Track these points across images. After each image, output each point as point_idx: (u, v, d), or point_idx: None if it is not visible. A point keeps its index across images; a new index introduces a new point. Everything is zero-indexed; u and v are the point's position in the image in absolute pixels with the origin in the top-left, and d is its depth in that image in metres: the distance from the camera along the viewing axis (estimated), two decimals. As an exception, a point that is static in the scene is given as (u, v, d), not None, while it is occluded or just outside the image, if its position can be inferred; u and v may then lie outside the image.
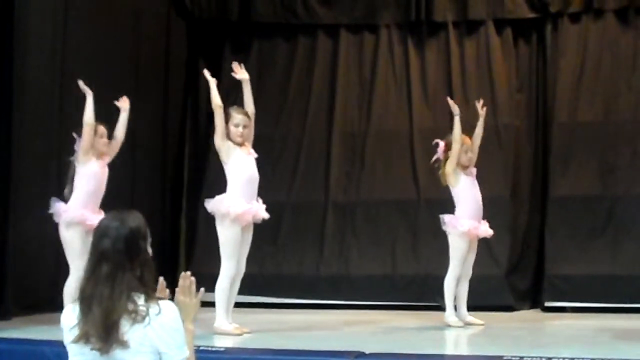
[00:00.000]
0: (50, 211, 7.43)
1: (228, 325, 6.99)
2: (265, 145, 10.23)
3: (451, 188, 7.92)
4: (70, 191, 7.44)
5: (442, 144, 8.01)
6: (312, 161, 10.41)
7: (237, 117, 7.20)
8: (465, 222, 7.82)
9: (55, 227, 7.60)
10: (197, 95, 10.74)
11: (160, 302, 3.45)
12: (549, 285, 9.43)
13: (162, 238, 10.05)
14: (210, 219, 10.35)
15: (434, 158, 8.08)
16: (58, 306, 7.58)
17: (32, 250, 8.27)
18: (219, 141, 7.17)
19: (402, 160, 10.15)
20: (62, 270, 7.99)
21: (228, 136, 7.17)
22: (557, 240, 9.55)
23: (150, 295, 3.46)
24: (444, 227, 7.91)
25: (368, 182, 10.19)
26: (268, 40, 10.72)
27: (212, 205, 7.28)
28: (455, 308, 7.86)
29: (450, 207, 7.91)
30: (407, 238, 9.91)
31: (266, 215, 7.29)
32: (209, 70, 7.44)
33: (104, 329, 3.37)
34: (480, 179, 8.05)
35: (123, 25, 9.62)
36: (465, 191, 7.90)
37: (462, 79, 10.18)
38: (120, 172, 7.91)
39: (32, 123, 8.35)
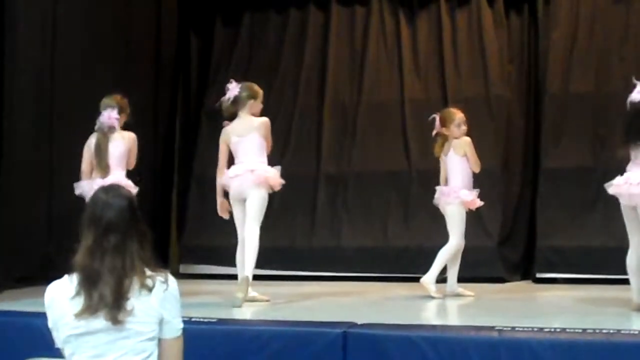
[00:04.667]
0: (77, 193, 7.45)
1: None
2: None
3: (454, 158, 7.89)
4: None
5: (437, 118, 7.97)
6: (303, 133, 10.38)
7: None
8: (463, 191, 7.82)
9: (45, 200, 7.59)
10: (189, 67, 10.68)
11: (162, 272, 3.53)
12: (540, 256, 9.44)
13: (153, 212, 9.98)
14: (201, 193, 10.36)
15: (435, 132, 8.01)
16: (49, 278, 7.59)
17: (23, 223, 8.25)
18: None
19: (393, 131, 10.13)
20: (53, 243, 8.00)
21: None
22: (548, 211, 9.54)
23: (151, 263, 3.52)
24: (440, 199, 7.88)
25: (359, 154, 10.17)
26: (259, 13, 10.66)
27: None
28: (445, 280, 7.87)
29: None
30: (398, 209, 9.91)
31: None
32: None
33: (115, 299, 3.40)
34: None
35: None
36: (464, 163, 7.88)
37: (454, 51, 10.15)
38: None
39: (23, 100, 8.30)
